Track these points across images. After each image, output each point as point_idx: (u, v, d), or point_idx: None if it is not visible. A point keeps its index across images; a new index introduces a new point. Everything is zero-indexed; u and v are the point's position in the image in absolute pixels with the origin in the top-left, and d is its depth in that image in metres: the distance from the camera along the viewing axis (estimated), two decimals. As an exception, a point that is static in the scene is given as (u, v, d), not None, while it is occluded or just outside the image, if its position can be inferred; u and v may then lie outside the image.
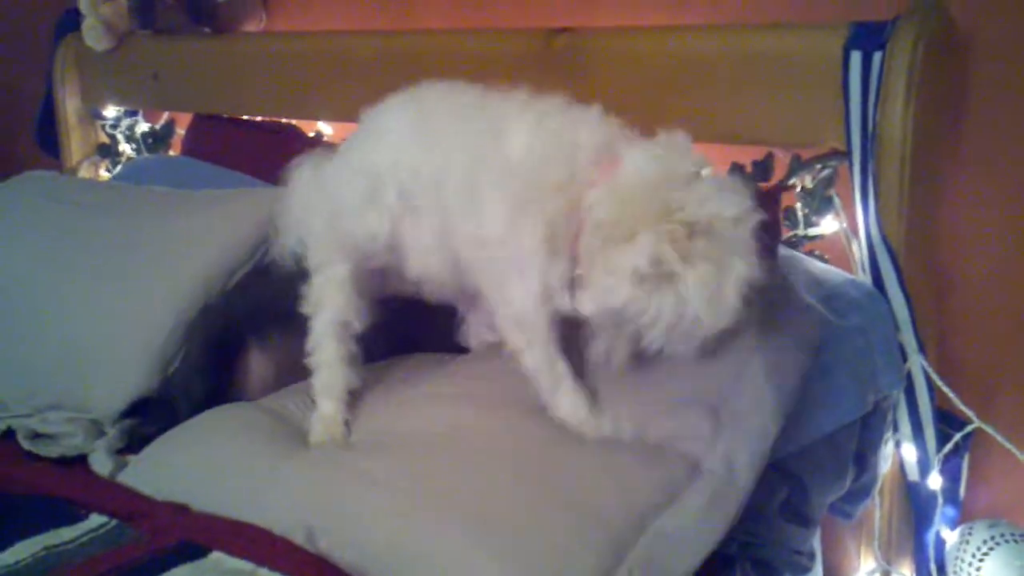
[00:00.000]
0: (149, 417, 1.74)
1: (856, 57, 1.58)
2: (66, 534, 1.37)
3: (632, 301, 1.30)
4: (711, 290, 1.28)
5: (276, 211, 1.70)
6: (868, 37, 1.58)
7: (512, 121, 1.44)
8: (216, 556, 1.30)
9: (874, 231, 1.59)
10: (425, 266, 1.54)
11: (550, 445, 1.39)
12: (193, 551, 1.31)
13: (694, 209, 1.30)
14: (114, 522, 1.40)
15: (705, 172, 1.37)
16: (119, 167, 2.78)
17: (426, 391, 1.59)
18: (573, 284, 1.38)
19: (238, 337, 1.84)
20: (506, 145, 1.42)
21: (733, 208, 1.31)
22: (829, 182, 1.72)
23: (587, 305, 1.35)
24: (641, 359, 1.43)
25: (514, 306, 1.43)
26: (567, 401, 1.43)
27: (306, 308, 1.62)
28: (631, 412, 1.44)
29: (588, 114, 1.45)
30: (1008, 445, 1.57)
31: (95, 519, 1.41)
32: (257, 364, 1.81)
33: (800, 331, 1.46)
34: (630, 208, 1.31)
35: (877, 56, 1.56)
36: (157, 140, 2.77)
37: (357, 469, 1.40)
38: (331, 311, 1.59)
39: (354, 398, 1.60)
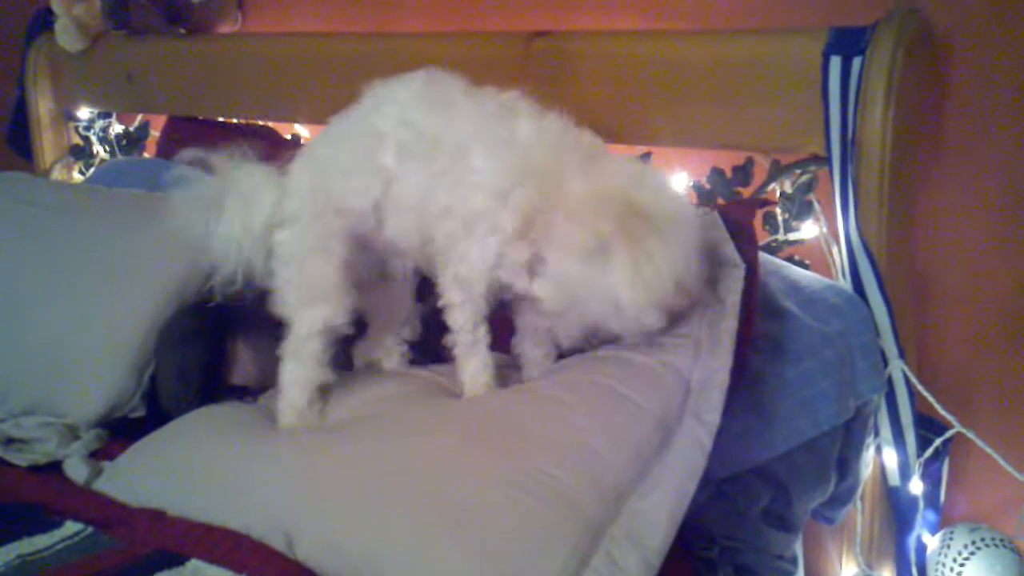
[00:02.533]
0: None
1: (835, 62, 1.58)
2: (41, 541, 1.36)
3: (577, 276, 1.39)
4: (635, 271, 1.35)
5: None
6: (847, 42, 1.58)
7: (522, 109, 1.50)
8: (194, 564, 1.29)
9: (854, 236, 1.60)
10: (400, 228, 1.54)
11: (521, 429, 1.38)
12: (170, 559, 1.30)
13: (642, 200, 1.38)
14: (89, 529, 1.39)
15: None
16: (92, 169, 2.76)
17: (396, 383, 1.60)
18: (532, 266, 1.45)
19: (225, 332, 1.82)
20: (513, 125, 1.48)
21: (679, 208, 1.42)
22: (809, 187, 1.72)
23: (544, 288, 1.43)
24: (589, 341, 1.50)
25: (466, 264, 1.47)
26: (475, 365, 1.50)
27: (284, 304, 1.58)
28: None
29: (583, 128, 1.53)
30: (988, 449, 1.58)
31: (70, 526, 1.40)
32: (244, 359, 1.80)
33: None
34: (596, 197, 1.39)
35: (856, 61, 1.56)
36: (131, 142, 2.75)
37: (332, 473, 1.39)
38: (322, 309, 1.55)
39: (327, 392, 1.59)
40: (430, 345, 1.70)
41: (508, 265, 1.45)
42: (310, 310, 1.55)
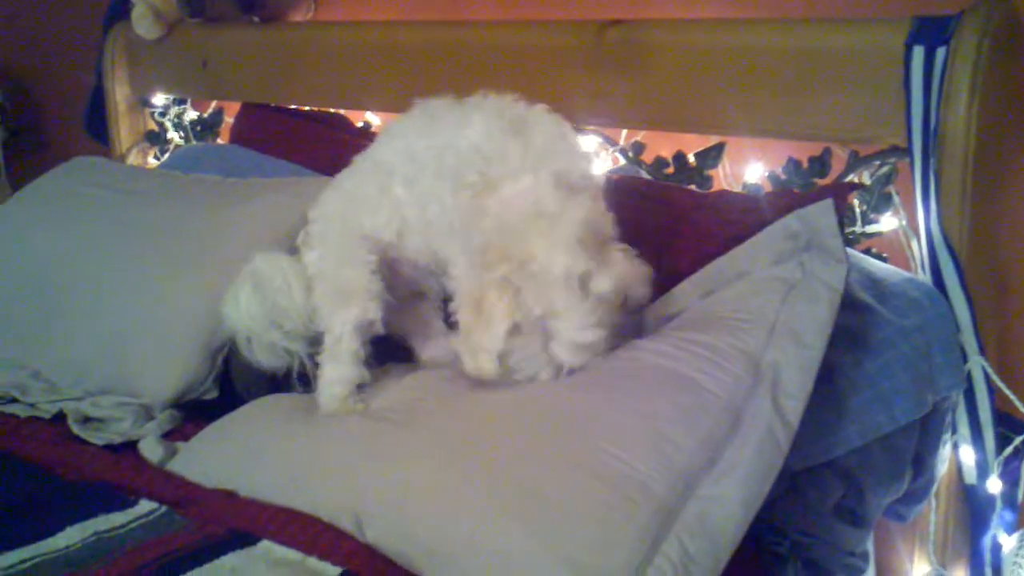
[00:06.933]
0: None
1: (918, 52, 1.55)
2: (116, 519, 1.38)
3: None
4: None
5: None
6: (931, 32, 1.55)
7: (475, 112, 1.54)
8: (265, 544, 1.31)
9: (935, 230, 1.56)
10: (419, 245, 1.60)
11: (587, 414, 1.37)
12: (242, 539, 1.32)
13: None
14: (163, 509, 1.41)
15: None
16: (167, 154, 2.80)
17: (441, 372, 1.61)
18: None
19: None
20: (463, 133, 1.52)
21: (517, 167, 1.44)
22: (888, 179, 1.69)
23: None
24: None
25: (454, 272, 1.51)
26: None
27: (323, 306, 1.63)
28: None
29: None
30: (1070, 450, 1.54)
31: (144, 505, 1.42)
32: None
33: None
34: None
35: (940, 52, 1.53)
36: (205, 128, 2.78)
37: (401, 457, 1.39)
38: (354, 309, 1.60)
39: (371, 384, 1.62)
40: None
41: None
42: (342, 311, 1.60)
